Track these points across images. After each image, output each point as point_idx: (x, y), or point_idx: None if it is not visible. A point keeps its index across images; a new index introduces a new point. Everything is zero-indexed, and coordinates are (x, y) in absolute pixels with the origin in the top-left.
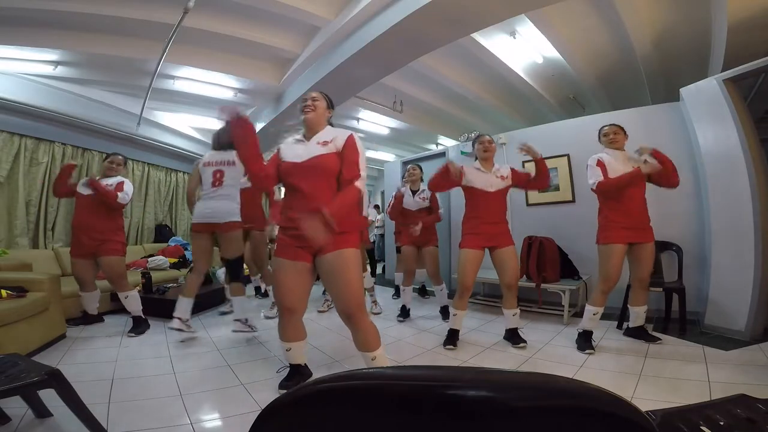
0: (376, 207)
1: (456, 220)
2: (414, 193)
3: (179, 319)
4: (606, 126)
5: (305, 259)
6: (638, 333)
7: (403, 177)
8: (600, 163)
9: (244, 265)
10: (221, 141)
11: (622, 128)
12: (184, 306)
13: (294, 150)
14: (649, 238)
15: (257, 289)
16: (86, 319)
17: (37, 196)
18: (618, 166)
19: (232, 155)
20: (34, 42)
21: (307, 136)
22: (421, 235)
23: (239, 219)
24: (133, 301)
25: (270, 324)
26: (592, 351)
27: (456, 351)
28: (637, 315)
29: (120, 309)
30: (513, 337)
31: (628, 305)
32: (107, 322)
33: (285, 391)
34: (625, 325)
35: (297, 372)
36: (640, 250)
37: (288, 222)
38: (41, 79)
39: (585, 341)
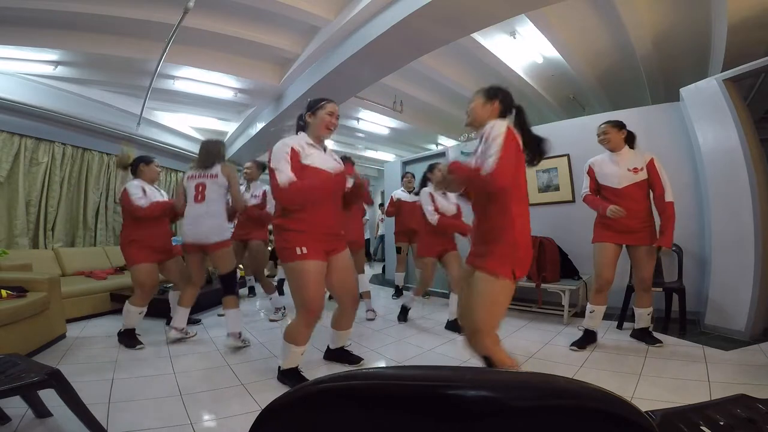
0: (381, 206)
1: None
2: (443, 194)
3: (176, 329)
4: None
5: (326, 258)
6: (642, 335)
7: (403, 177)
8: (590, 170)
9: (240, 266)
10: (210, 155)
11: (614, 124)
12: (181, 316)
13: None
14: (644, 241)
15: (251, 289)
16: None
17: (37, 196)
18: (610, 168)
19: (216, 169)
20: (34, 42)
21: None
22: (445, 243)
23: (227, 236)
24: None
25: (269, 325)
26: (575, 348)
27: (456, 350)
28: (640, 316)
29: (119, 309)
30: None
31: (633, 306)
32: (107, 323)
33: (286, 387)
34: (630, 326)
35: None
36: (634, 252)
37: (324, 222)
38: (41, 79)
39: (581, 339)
